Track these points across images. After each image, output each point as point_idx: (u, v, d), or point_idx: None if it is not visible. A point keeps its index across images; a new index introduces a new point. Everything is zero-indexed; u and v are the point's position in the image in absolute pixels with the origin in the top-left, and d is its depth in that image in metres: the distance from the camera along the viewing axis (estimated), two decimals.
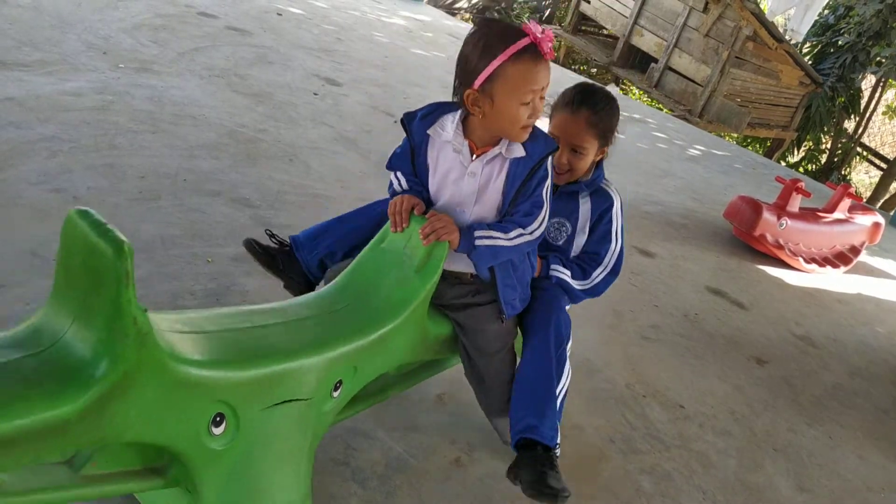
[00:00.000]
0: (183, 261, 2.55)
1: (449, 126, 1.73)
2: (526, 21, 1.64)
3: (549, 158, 1.72)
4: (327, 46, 5.73)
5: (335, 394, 1.60)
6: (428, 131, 1.76)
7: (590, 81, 2.14)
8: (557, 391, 1.83)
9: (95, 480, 1.32)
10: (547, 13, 14.00)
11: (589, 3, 12.42)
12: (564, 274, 2.02)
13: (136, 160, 3.13)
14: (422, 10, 8.37)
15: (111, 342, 1.13)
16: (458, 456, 2.10)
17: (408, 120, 1.78)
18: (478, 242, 1.68)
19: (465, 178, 1.74)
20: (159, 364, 1.20)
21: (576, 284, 2.04)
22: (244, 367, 1.38)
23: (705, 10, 10.46)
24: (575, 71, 11.86)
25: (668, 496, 2.21)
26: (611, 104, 1.99)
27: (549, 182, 1.73)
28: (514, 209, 1.72)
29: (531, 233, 1.71)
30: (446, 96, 1.79)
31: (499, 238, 1.68)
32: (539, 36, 1.55)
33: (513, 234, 1.69)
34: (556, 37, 6.04)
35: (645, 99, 12.42)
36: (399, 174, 1.82)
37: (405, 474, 2.00)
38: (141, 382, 1.18)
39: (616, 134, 2.04)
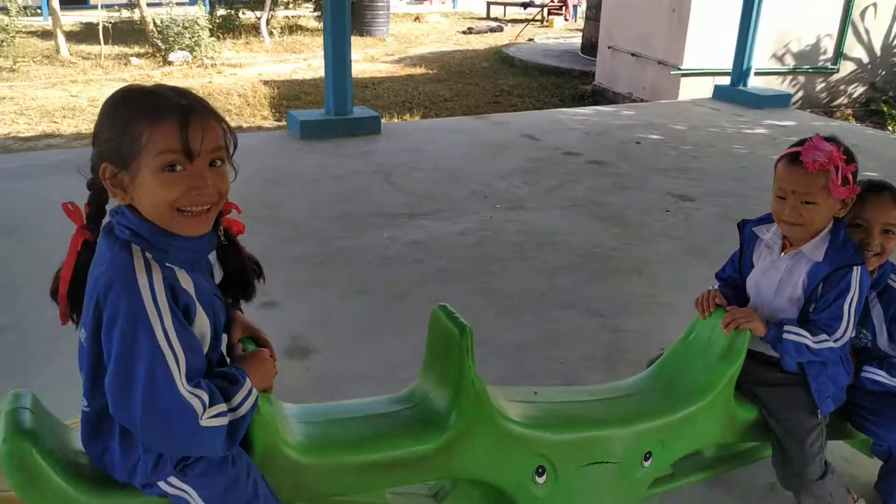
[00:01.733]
0: (538, 363, 3.00)
1: (773, 229, 1.99)
2: None
3: (856, 273, 1.83)
4: (682, 165, 6.02)
5: (645, 463, 1.85)
6: (754, 229, 2.02)
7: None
8: None
9: None
10: None
11: None
12: (879, 375, 2.02)
13: (505, 283, 3.76)
14: (788, 115, 8.22)
15: (458, 400, 1.61)
16: None
17: (742, 224, 2.09)
18: (785, 336, 1.85)
19: (771, 271, 1.96)
20: (491, 419, 1.64)
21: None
22: (560, 430, 1.76)
23: None
24: None
25: None
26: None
27: (852, 295, 1.84)
28: (814, 316, 1.86)
29: (835, 341, 1.84)
30: None
31: (805, 338, 1.84)
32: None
33: (819, 338, 1.84)
34: None
35: None
36: (718, 280, 2.10)
37: None
38: (478, 432, 1.63)
39: None
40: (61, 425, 1.43)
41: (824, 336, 1.86)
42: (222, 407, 1.22)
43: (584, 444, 1.77)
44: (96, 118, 1.27)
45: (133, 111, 1.20)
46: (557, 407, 1.84)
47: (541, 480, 1.74)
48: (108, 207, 1.33)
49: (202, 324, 1.27)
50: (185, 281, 1.24)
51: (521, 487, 1.73)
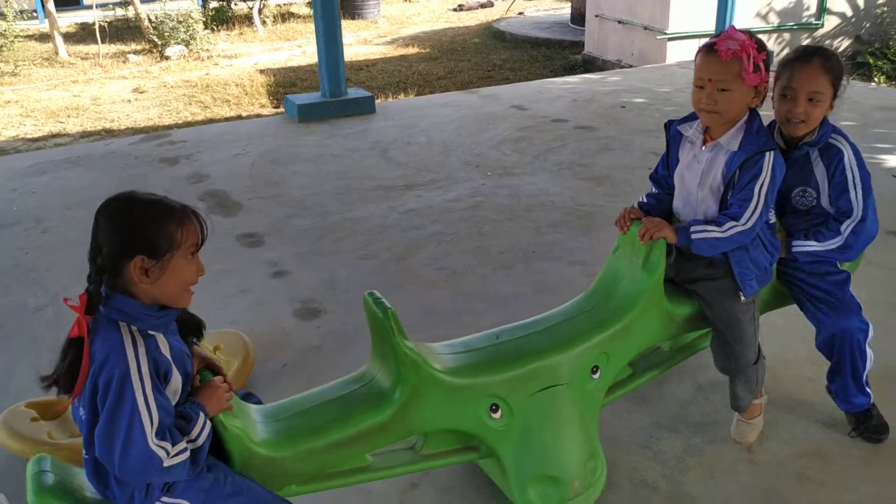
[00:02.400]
0: (531, 310, 3.28)
1: (695, 125, 2.18)
2: None
3: (768, 158, 2.01)
4: None
5: (594, 376, 2.11)
6: (678, 127, 2.23)
7: None
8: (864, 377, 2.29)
9: (429, 457, 2.08)
10: None
11: None
12: (808, 245, 2.22)
13: (497, 241, 4.04)
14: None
15: (399, 372, 1.87)
16: (751, 446, 2.42)
17: (668, 124, 2.29)
18: (694, 237, 2.06)
19: (694, 164, 2.16)
20: (433, 380, 1.89)
21: (827, 245, 2.20)
22: (502, 371, 1.99)
23: None
24: None
25: None
26: (836, 55, 2.19)
27: (763, 177, 2.02)
28: (730, 200, 2.06)
29: (744, 224, 2.01)
30: None
31: (713, 231, 2.04)
32: None
33: (726, 226, 2.02)
34: None
35: None
36: (644, 195, 2.33)
37: (700, 458, 2.39)
38: (425, 393, 1.89)
39: (844, 85, 2.17)
40: (74, 473, 1.69)
41: (731, 223, 2.01)
42: (183, 445, 1.52)
43: (529, 376, 2.00)
44: (106, 225, 1.51)
45: (158, 215, 1.54)
46: (500, 348, 2.05)
47: (497, 416, 1.99)
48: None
49: (176, 381, 1.57)
50: (164, 345, 1.55)
51: (480, 426, 1.99)
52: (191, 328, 1.71)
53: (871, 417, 2.40)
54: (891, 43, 10.61)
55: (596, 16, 11.61)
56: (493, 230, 4.20)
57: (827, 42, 10.81)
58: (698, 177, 2.14)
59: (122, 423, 1.45)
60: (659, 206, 2.29)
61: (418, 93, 10.16)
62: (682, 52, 9.67)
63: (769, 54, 2.06)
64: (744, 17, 9.56)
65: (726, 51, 1.97)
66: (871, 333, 2.32)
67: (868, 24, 10.93)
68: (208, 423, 1.60)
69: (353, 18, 17.00)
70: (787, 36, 10.58)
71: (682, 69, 8.55)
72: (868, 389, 2.37)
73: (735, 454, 2.40)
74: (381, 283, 3.61)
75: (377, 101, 7.15)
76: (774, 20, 10.38)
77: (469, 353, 2.04)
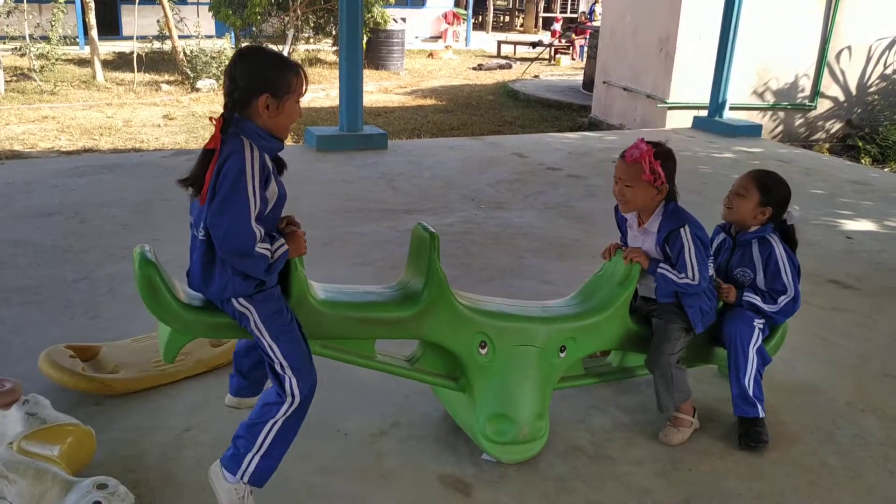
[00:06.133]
0: None
1: (632, 215, 2.79)
2: None
3: (684, 232, 2.60)
4: None
5: (561, 355, 2.63)
6: (622, 213, 2.82)
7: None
8: (745, 381, 2.75)
9: (419, 371, 2.61)
10: None
11: None
12: (755, 299, 2.84)
13: (481, 260, 4.56)
14: (757, 143, 8.99)
15: (428, 283, 2.41)
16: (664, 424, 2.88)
17: (616, 209, 2.85)
18: (658, 270, 2.67)
19: (635, 242, 2.80)
20: (448, 300, 2.44)
21: (766, 307, 2.84)
22: (496, 318, 2.53)
23: None
24: None
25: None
26: (778, 178, 2.87)
27: (688, 247, 2.60)
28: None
29: (691, 278, 2.62)
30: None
31: (672, 274, 2.64)
32: None
33: (681, 276, 2.63)
34: None
35: None
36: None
37: (623, 433, 2.85)
38: (440, 307, 2.43)
39: (788, 210, 2.86)
40: (169, 275, 2.20)
41: (684, 275, 2.64)
42: (267, 245, 2.01)
43: (514, 330, 2.55)
44: (244, 66, 2.02)
45: (283, 65, 2.04)
46: (502, 307, 2.62)
47: (483, 352, 2.52)
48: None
49: (273, 189, 2.06)
50: (268, 162, 2.06)
51: (469, 354, 2.52)
52: (279, 165, 2.17)
53: (751, 429, 2.78)
54: (880, 129, 11.24)
55: (604, 82, 12.33)
56: (479, 251, 4.72)
57: (819, 123, 11.47)
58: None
59: (235, 202, 1.93)
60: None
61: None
62: (680, 121, 10.31)
63: (669, 160, 2.64)
64: (739, 94, 10.22)
65: (629, 157, 2.58)
66: (758, 342, 2.78)
67: (859, 110, 11.56)
68: (285, 247, 2.07)
69: (376, 68, 17.89)
70: (781, 115, 11.22)
71: (675, 134, 9.15)
72: (756, 402, 2.76)
73: (654, 433, 2.85)
74: (376, 283, 4.09)
75: (390, 141, 7.76)
76: (770, 98, 11.03)
77: (478, 301, 2.60)
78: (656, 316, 2.77)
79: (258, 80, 2.00)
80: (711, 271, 2.76)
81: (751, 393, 2.76)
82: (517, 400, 2.56)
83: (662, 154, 2.61)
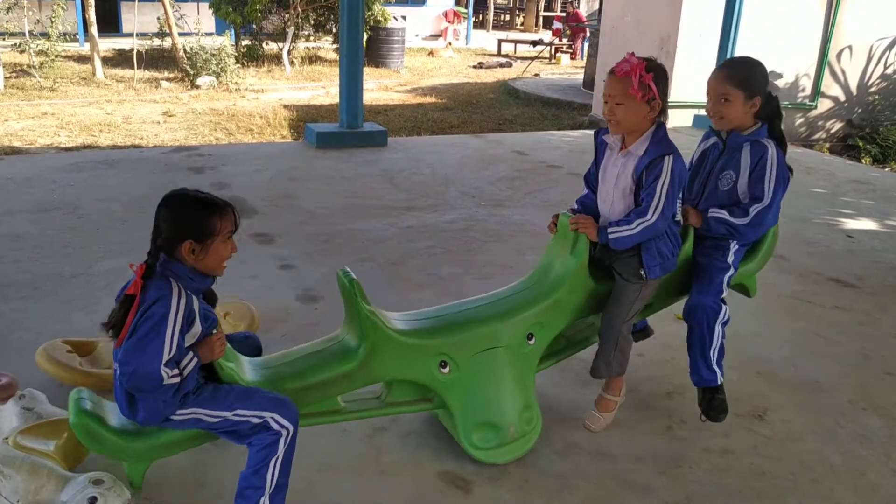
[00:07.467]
0: None
1: (615, 139, 2.60)
2: None
3: (667, 161, 2.41)
4: None
5: (530, 342, 2.58)
6: (603, 136, 2.66)
7: None
8: (711, 352, 2.66)
9: (392, 405, 2.56)
10: None
11: None
12: (722, 213, 2.65)
13: (482, 257, 4.54)
14: None
15: (361, 331, 2.33)
16: (671, 427, 2.86)
17: (596, 133, 2.73)
18: (611, 236, 2.49)
19: (612, 167, 2.59)
20: (389, 339, 2.36)
21: (736, 220, 2.63)
22: (449, 335, 2.46)
23: None
24: None
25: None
26: (746, 62, 2.69)
27: (664, 178, 2.41)
28: (641, 197, 2.48)
29: (649, 218, 2.43)
30: None
31: (625, 230, 2.46)
32: None
33: (635, 223, 2.45)
34: None
35: None
36: (576, 201, 2.81)
37: (623, 429, 2.83)
38: (383, 349, 2.36)
39: (766, 83, 2.65)
40: (105, 404, 2.16)
41: (638, 220, 2.41)
42: (175, 372, 1.97)
43: (472, 339, 2.47)
44: (165, 215, 2.02)
45: (203, 210, 2.04)
46: (451, 317, 2.52)
47: (445, 371, 2.46)
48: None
49: (196, 328, 2.04)
50: (195, 303, 2.03)
51: (432, 378, 2.45)
52: (208, 297, 2.21)
53: (714, 397, 2.73)
54: (880, 129, 11.22)
55: (603, 80, 12.28)
56: (479, 248, 4.70)
57: (819, 123, 11.45)
58: (615, 178, 2.57)
59: (150, 346, 1.92)
60: (585, 211, 2.75)
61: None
62: (681, 120, 10.27)
63: (661, 76, 2.45)
64: None
65: (620, 70, 2.40)
66: (725, 318, 2.68)
67: (860, 110, 11.54)
68: (194, 361, 2.05)
69: (377, 66, 17.85)
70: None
71: (676, 133, 9.08)
72: (716, 368, 2.70)
73: (655, 430, 2.83)
74: (375, 281, 4.09)
75: (390, 138, 7.73)
76: None
77: (423, 321, 2.51)
78: (615, 268, 2.61)
79: (180, 228, 2.02)
80: (678, 215, 2.62)
81: (714, 363, 2.69)
82: (496, 404, 2.53)
83: (654, 68, 2.43)
